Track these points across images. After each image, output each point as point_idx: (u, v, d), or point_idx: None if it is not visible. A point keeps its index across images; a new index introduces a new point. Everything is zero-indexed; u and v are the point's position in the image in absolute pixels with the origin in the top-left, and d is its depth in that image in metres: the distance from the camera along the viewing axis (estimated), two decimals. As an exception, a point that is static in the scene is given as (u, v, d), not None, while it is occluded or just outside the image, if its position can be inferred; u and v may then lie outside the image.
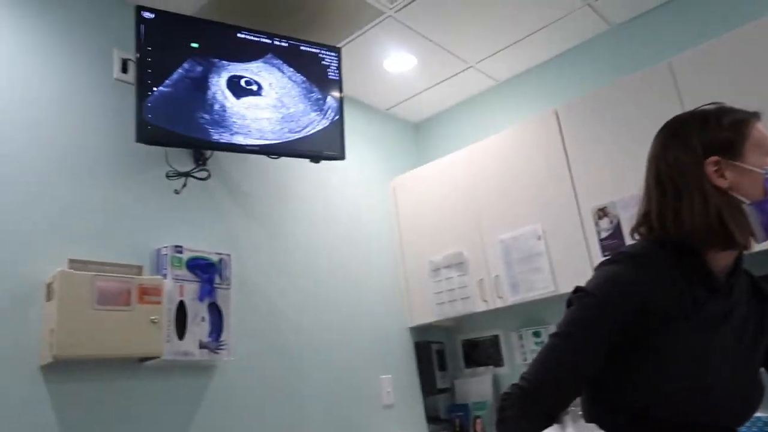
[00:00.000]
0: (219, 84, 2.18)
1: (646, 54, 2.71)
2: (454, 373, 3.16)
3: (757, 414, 1.86)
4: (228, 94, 2.20)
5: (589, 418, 1.05)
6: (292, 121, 2.35)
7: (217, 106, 2.16)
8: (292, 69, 2.38)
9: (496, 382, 2.99)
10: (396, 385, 2.85)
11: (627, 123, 2.40)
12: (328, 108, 2.47)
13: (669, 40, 2.65)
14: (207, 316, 2.07)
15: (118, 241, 2.01)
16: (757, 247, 1.04)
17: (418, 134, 3.62)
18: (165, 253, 2.04)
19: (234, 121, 2.19)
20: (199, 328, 2.03)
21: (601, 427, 1.04)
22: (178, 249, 2.06)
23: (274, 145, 2.29)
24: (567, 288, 2.43)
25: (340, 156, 2.48)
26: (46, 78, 1.99)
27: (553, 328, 2.98)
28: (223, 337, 2.09)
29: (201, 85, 2.14)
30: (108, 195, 2.04)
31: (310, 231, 2.73)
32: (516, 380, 1.02)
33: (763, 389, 1.04)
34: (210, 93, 2.15)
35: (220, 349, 2.08)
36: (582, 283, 1.05)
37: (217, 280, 2.13)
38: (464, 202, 2.88)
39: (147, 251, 2.07)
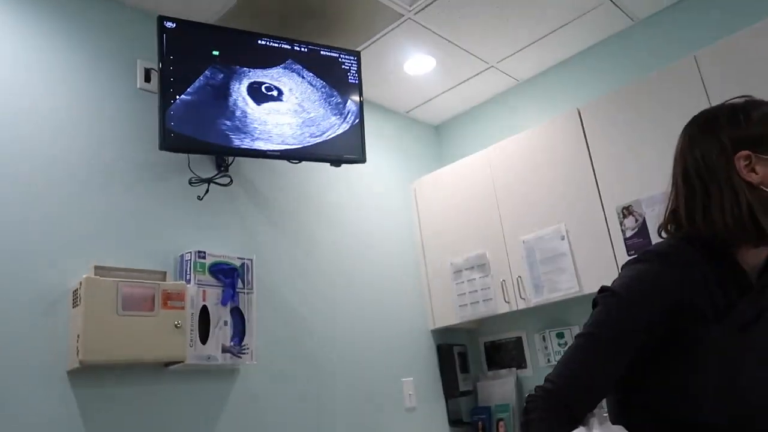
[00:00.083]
0: (240, 90, 2.20)
1: (670, 49, 2.65)
2: (477, 376, 3.13)
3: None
4: (249, 100, 2.21)
5: (616, 419, 1.03)
6: (313, 125, 2.36)
7: (238, 113, 2.18)
8: (312, 74, 2.40)
9: (519, 384, 2.95)
10: (418, 387, 2.83)
11: (651, 119, 2.36)
12: (349, 112, 2.48)
13: (693, 34, 2.60)
14: (230, 320, 2.08)
15: (142, 248, 2.04)
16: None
17: (438, 136, 3.61)
18: (188, 258, 2.07)
19: (255, 127, 2.21)
20: (221, 332, 2.05)
21: (629, 429, 1.02)
22: (201, 254, 2.08)
23: (295, 149, 2.30)
24: (591, 288, 2.40)
25: (361, 159, 2.48)
26: (71, 89, 2.03)
27: (577, 329, 2.94)
28: (245, 342, 2.10)
29: (222, 92, 2.16)
30: (132, 202, 2.07)
31: (331, 234, 2.73)
32: (539, 382, 1.00)
33: None
34: (231, 100, 2.17)
35: (243, 353, 2.09)
36: (606, 282, 1.02)
37: (239, 284, 2.15)
38: (486, 203, 2.86)
39: (171, 257, 2.10)
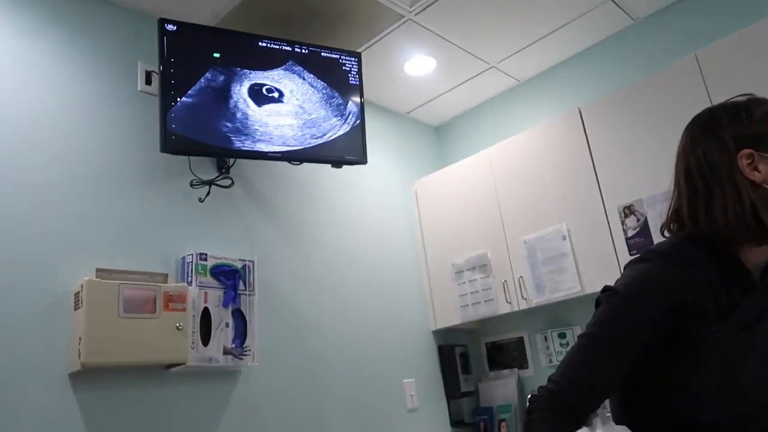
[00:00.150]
0: (241, 92, 2.20)
1: (671, 49, 2.65)
2: (478, 376, 3.13)
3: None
4: (250, 102, 2.22)
5: (619, 419, 1.03)
6: (314, 126, 2.36)
7: (239, 115, 2.18)
8: (312, 75, 2.40)
9: (520, 384, 2.95)
10: (420, 388, 2.83)
11: (653, 119, 2.35)
12: (349, 113, 2.48)
13: (694, 33, 2.59)
14: (231, 322, 2.08)
15: (143, 250, 2.04)
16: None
17: (439, 137, 3.61)
18: (190, 260, 2.06)
19: (256, 129, 2.21)
20: (223, 334, 2.05)
21: (632, 429, 1.01)
22: (203, 256, 2.08)
23: (297, 151, 2.30)
24: (593, 288, 2.40)
25: (362, 160, 2.48)
26: (72, 92, 2.04)
27: (578, 330, 2.94)
28: (247, 343, 2.10)
29: (223, 94, 2.16)
30: (133, 204, 2.07)
31: (332, 236, 2.73)
32: (541, 383, 1.00)
33: None
34: (232, 102, 2.17)
35: (244, 354, 2.09)
36: (608, 282, 1.02)
37: (241, 286, 2.15)
38: (487, 203, 2.85)
39: (172, 259, 2.10)
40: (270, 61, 2.30)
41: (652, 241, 2.26)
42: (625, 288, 0.98)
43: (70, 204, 1.92)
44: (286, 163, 2.57)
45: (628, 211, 2.37)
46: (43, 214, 1.85)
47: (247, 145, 2.18)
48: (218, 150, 2.14)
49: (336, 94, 2.45)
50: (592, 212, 2.48)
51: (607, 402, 1.03)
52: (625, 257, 2.31)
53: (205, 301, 2.03)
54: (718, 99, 1.10)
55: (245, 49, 2.25)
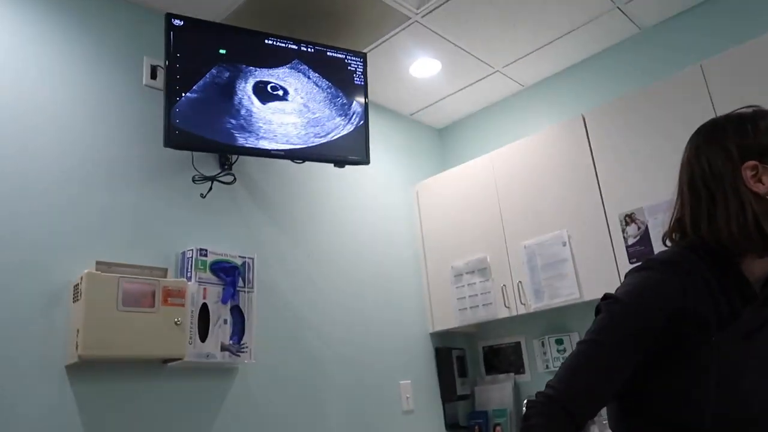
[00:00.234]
0: (245, 89, 2.20)
1: (676, 58, 2.65)
2: (475, 380, 3.13)
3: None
4: (254, 99, 2.22)
5: (617, 426, 1.03)
6: (318, 126, 2.36)
7: (243, 111, 2.18)
8: (318, 74, 2.40)
9: (516, 389, 2.95)
10: (416, 390, 2.83)
11: (657, 127, 2.36)
12: (353, 113, 2.48)
13: (700, 43, 2.60)
14: (229, 318, 2.08)
15: (144, 244, 2.04)
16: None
17: (442, 139, 3.61)
18: (190, 255, 2.07)
19: (260, 126, 2.21)
20: (221, 330, 2.05)
21: (629, 437, 1.02)
22: (203, 252, 2.08)
23: (300, 149, 2.30)
24: (592, 295, 2.40)
25: (365, 161, 2.48)
26: (77, 85, 2.04)
27: (576, 336, 2.94)
28: (244, 340, 2.10)
29: (228, 90, 2.16)
30: (135, 199, 2.07)
31: (333, 235, 2.73)
32: (538, 388, 1.00)
33: None
34: (236, 98, 2.18)
35: (242, 351, 2.09)
36: (608, 289, 1.02)
37: (240, 283, 2.15)
38: (488, 207, 2.85)
39: (173, 254, 2.10)
40: (276, 59, 2.30)
41: (652, 249, 2.26)
42: (626, 296, 0.98)
43: (72, 196, 1.92)
44: (288, 162, 2.57)
45: (629, 219, 2.37)
46: (45, 206, 1.85)
47: (251, 142, 2.18)
48: (221, 146, 2.14)
49: (341, 94, 2.45)
50: (592, 219, 2.48)
51: (603, 410, 1.03)
52: (625, 265, 2.31)
53: (204, 297, 2.03)
54: (723, 110, 1.10)
55: (251, 47, 2.25)
